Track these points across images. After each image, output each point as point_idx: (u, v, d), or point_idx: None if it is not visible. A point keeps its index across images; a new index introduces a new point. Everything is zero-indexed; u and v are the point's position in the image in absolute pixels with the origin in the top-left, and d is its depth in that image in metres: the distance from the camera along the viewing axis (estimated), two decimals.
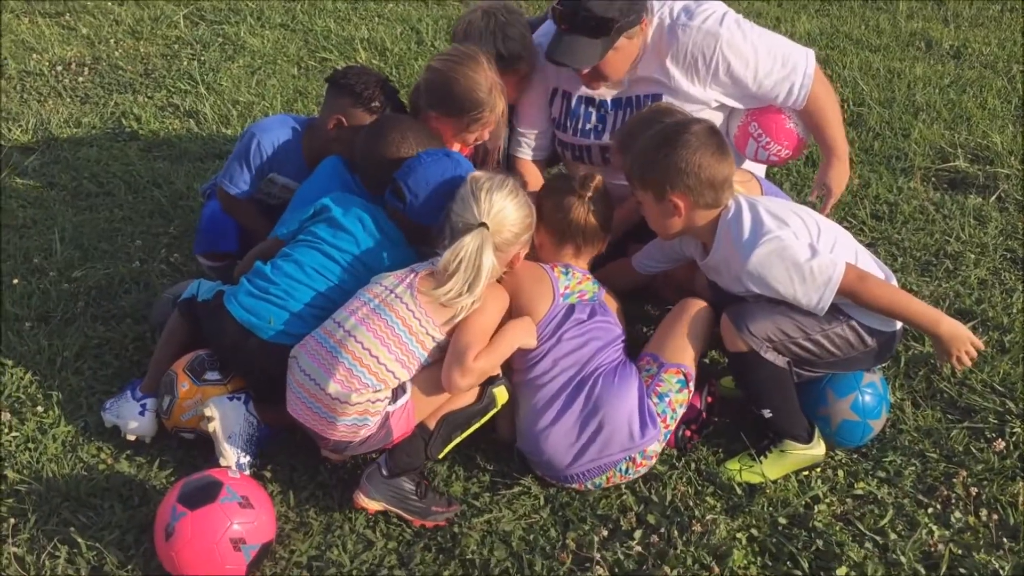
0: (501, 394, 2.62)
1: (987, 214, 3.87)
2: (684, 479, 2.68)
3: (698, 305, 2.77)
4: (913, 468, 2.70)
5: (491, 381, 2.61)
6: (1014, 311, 3.28)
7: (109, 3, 6.22)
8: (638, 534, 2.51)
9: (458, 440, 2.60)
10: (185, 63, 5.35)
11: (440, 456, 2.60)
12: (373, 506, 2.54)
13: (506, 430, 2.76)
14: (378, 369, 2.46)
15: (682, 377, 2.70)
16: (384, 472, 2.54)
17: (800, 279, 2.54)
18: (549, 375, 2.65)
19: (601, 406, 2.60)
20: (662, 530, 2.52)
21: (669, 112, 2.93)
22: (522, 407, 2.69)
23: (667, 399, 2.67)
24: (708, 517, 2.54)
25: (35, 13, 6.07)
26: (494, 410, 2.62)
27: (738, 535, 2.50)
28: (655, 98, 3.11)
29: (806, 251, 2.54)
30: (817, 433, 2.71)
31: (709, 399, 2.83)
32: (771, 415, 2.69)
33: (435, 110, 3.06)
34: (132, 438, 2.76)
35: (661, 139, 2.64)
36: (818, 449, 2.71)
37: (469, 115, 3.01)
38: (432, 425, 2.56)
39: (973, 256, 3.61)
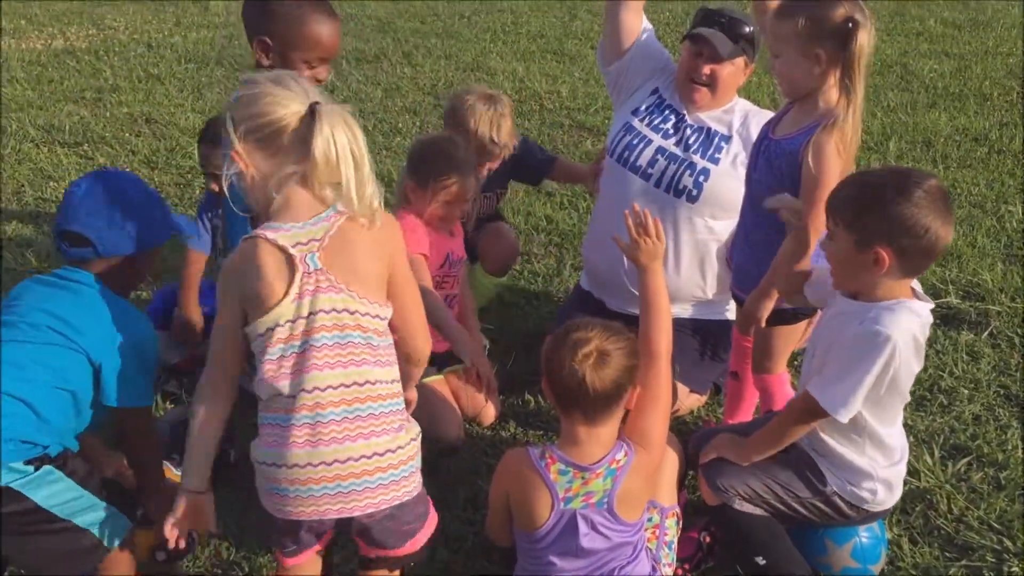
0: None
1: (980, 350, 3.92)
2: None
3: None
4: None
5: None
6: (1009, 447, 3.30)
7: (127, 134, 6.45)
8: None
9: None
10: (198, 192, 5.51)
11: None
12: None
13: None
14: (384, 389, 2.23)
15: (675, 518, 2.71)
16: None
17: (851, 368, 2.36)
18: (554, 570, 2.47)
19: None
20: None
21: None
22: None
23: (673, 546, 2.66)
24: None
25: (55, 143, 6.29)
26: None
27: None
28: (725, 139, 3.48)
29: (872, 378, 2.35)
30: None
31: (707, 539, 2.82)
32: (765, 562, 2.65)
33: (410, 178, 3.40)
34: None
35: (889, 185, 2.32)
36: None
37: (437, 182, 3.32)
38: None
39: (967, 392, 3.64)
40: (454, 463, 3.26)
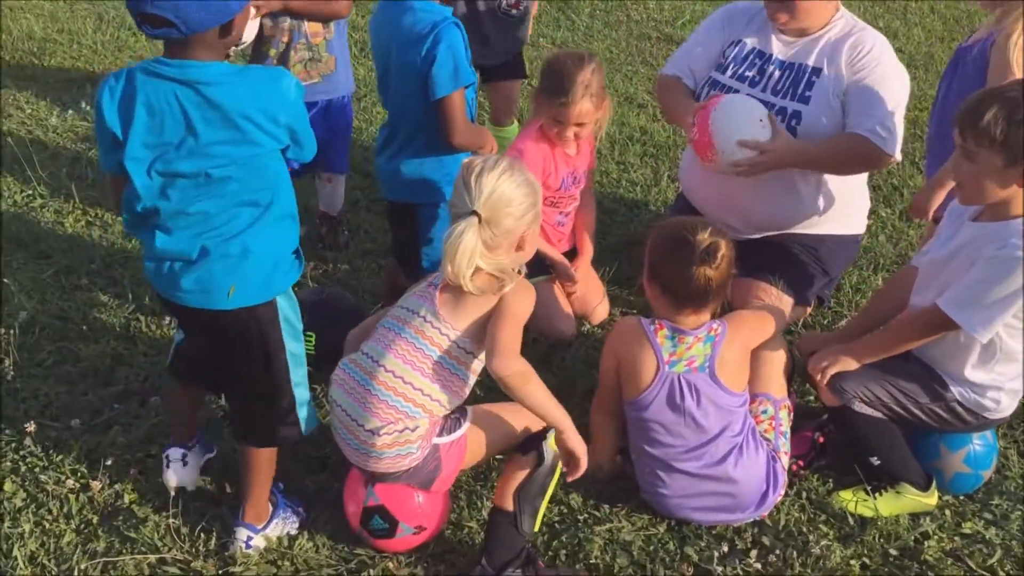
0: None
1: None
2: (796, 506, 2.79)
3: (774, 331, 2.85)
4: (1019, 513, 2.79)
5: (540, 436, 2.53)
6: None
7: None
8: (754, 553, 2.62)
9: (544, 506, 2.56)
10: None
11: (536, 529, 2.56)
12: None
13: (605, 455, 2.81)
14: (414, 395, 2.44)
15: (787, 410, 2.83)
16: (491, 571, 2.50)
17: (993, 292, 2.43)
18: (666, 445, 2.65)
19: (731, 482, 2.62)
20: (778, 551, 2.63)
21: None
22: (640, 466, 2.73)
23: (788, 436, 2.79)
24: (823, 543, 2.65)
25: None
26: (560, 464, 2.54)
27: (851, 562, 2.60)
28: (815, 72, 3.35)
29: (1018, 304, 2.44)
30: (934, 483, 2.78)
31: (821, 439, 2.94)
32: (880, 462, 2.77)
33: (544, 96, 3.38)
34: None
35: None
36: (931, 499, 2.78)
37: (556, 99, 3.28)
38: (510, 506, 2.50)
39: None
40: (569, 356, 3.40)
